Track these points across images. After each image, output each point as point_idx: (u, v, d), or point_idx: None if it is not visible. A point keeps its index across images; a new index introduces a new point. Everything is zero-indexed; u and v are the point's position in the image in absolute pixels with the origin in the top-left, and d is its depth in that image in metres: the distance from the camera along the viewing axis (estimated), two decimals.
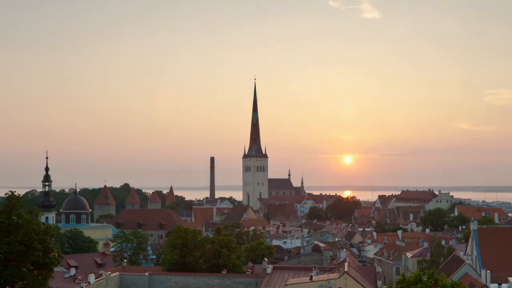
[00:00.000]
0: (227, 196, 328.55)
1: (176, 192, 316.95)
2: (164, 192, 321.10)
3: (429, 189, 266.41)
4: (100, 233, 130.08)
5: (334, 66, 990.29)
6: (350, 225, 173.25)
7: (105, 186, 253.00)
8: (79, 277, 65.11)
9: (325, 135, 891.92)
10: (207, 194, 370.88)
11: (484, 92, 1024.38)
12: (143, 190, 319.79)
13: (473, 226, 79.07)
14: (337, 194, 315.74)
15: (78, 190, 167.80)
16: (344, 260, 67.03)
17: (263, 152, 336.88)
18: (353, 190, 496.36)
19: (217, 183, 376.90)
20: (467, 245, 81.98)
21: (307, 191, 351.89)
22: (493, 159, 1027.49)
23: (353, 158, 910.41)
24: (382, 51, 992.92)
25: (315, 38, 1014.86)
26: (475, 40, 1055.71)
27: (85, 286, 61.95)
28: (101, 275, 66.90)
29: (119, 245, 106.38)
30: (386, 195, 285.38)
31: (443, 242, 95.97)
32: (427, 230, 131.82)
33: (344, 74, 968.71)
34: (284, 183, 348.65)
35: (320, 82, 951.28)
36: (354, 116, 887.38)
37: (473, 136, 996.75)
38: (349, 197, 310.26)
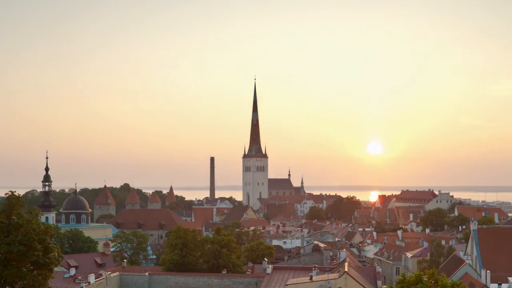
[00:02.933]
0: (227, 196, 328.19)
1: (176, 192, 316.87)
2: (164, 192, 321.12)
3: (429, 189, 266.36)
4: (100, 233, 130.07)
5: (335, 65, 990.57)
6: (350, 225, 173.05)
7: (105, 186, 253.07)
8: (79, 277, 65.08)
9: (326, 135, 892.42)
10: (207, 194, 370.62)
11: (487, 83, 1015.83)
12: (143, 190, 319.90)
13: (473, 226, 79.09)
14: (335, 196, 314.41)
15: (78, 190, 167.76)
16: (344, 260, 67.03)
17: (263, 152, 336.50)
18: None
19: (217, 183, 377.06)
20: (467, 245, 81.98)
21: (307, 191, 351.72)
22: (493, 158, 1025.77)
23: (355, 159, 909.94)
24: (382, 49, 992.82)
25: (316, 38, 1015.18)
26: (474, 31, 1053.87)
27: (85, 286, 61.90)
28: (101, 275, 66.87)
29: (119, 245, 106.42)
30: (386, 195, 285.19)
31: (443, 242, 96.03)
32: (427, 230, 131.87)
33: (345, 72, 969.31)
34: (284, 183, 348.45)
35: (321, 81, 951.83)
36: (355, 115, 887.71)
37: (475, 133, 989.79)
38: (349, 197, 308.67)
